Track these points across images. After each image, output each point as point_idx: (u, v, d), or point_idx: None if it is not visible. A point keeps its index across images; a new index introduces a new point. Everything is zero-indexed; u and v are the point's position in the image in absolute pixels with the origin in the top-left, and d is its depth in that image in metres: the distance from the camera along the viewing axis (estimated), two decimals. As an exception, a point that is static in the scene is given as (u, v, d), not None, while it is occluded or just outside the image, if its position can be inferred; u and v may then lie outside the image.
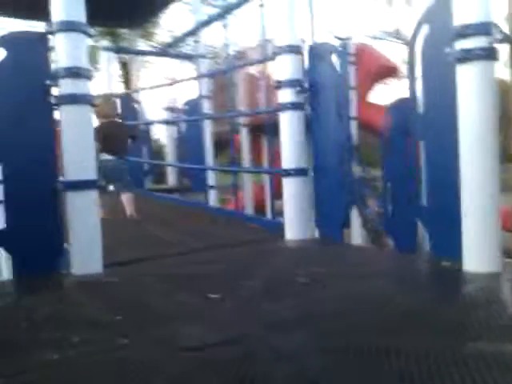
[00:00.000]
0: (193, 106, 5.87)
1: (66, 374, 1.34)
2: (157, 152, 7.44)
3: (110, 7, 7.04)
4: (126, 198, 4.22)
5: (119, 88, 9.22)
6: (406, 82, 2.63)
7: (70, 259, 2.47)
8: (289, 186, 3.11)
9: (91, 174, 2.53)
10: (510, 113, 3.26)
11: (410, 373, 1.21)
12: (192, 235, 3.42)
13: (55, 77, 2.47)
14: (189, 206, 5.10)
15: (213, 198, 5.36)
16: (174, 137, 6.50)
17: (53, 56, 2.50)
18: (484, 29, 2.08)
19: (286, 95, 3.09)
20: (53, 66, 2.50)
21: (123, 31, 8.36)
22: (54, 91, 2.50)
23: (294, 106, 3.07)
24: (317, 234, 3.11)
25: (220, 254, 2.86)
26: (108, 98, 4.52)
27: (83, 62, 2.50)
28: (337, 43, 5.90)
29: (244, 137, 6.44)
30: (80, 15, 2.49)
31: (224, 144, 6.29)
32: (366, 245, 3.39)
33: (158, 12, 7.56)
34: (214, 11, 4.99)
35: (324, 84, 3.02)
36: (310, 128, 3.11)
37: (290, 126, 3.10)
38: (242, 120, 6.46)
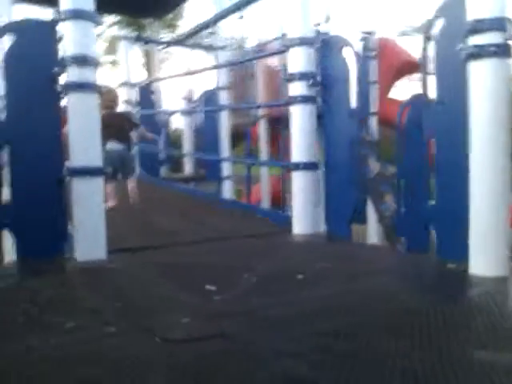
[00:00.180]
0: (210, 97, 5.86)
1: (41, 363, 1.33)
2: (175, 141, 7.46)
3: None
4: (130, 186, 4.38)
5: (140, 77, 9.23)
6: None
7: (73, 244, 2.49)
8: (298, 179, 3.08)
9: (97, 161, 2.53)
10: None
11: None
12: (197, 225, 3.42)
13: (62, 64, 2.47)
14: (197, 195, 5.07)
15: (227, 189, 5.36)
16: (191, 127, 6.51)
17: (60, 44, 2.50)
18: (498, 24, 2.01)
19: (297, 88, 3.05)
20: (60, 54, 2.50)
21: (148, 22, 8.36)
22: (62, 79, 2.51)
23: (306, 99, 3.03)
24: (325, 230, 3.07)
25: (223, 245, 2.85)
26: (109, 89, 4.57)
27: (91, 50, 2.50)
28: (359, 37, 5.88)
29: (262, 129, 6.43)
30: (88, 3, 2.49)
31: (242, 136, 6.28)
32: (372, 243, 3.33)
33: (178, 2, 7.54)
34: (233, 2, 4.91)
35: (336, 78, 2.97)
36: (322, 122, 3.07)
37: (300, 120, 3.06)
38: (259, 112, 6.46)
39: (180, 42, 7.81)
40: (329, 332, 1.49)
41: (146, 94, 6.26)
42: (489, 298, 1.78)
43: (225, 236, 3.05)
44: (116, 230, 3.08)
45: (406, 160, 2.74)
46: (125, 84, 6.04)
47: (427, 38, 2.48)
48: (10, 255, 2.49)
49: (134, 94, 6.08)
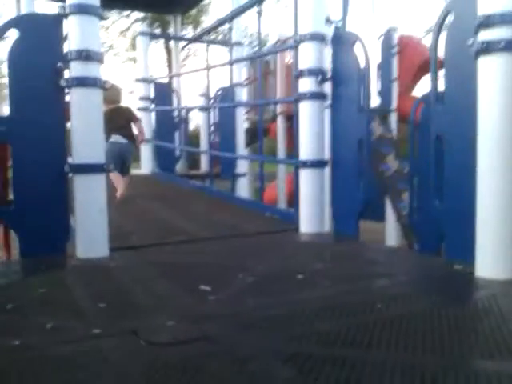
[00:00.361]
0: (226, 93, 5.82)
1: (16, 363, 1.30)
2: (192, 138, 7.44)
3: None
4: (124, 180, 4.45)
5: (160, 73, 9.25)
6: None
7: (75, 242, 2.48)
8: (305, 177, 3.02)
9: (100, 157, 2.51)
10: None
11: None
12: (204, 223, 3.37)
13: (67, 59, 2.46)
14: (208, 192, 5.03)
15: (242, 186, 5.31)
16: (207, 123, 6.48)
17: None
18: (509, 18, 1.92)
19: (306, 84, 2.99)
20: (66, 49, 2.49)
21: (171, 18, 8.34)
22: (66, 73, 2.49)
23: (314, 96, 2.97)
24: (332, 228, 3.01)
25: (227, 244, 2.81)
26: (112, 85, 4.62)
27: (95, 45, 2.48)
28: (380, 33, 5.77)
29: (279, 125, 6.37)
30: (94, -3, 2.47)
31: (263, 132, 6.22)
32: (379, 243, 3.26)
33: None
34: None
35: (346, 74, 2.90)
36: (330, 119, 3.00)
37: (309, 117, 3.00)
38: (278, 109, 6.40)
39: (198, 38, 7.79)
40: (324, 334, 1.45)
41: (162, 91, 6.24)
42: (495, 302, 1.72)
43: (230, 234, 3.01)
44: (121, 227, 3.08)
45: (419, 157, 2.67)
46: (142, 80, 6.03)
47: (438, 33, 2.40)
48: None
49: (150, 91, 6.07)
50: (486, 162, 1.98)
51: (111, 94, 4.19)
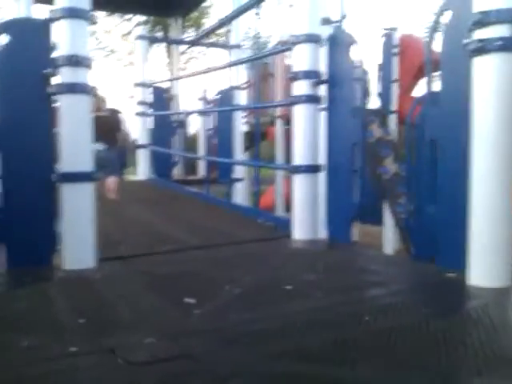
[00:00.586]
0: (225, 97, 5.75)
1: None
2: (190, 143, 7.38)
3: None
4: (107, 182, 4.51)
5: (161, 77, 9.20)
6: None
7: (62, 253, 2.41)
8: (298, 183, 2.95)
9: (87, 165, 2.45)
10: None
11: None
12: (196, 230, 3.30)
13: (55, 65, 2.39)
14: (202, 198, 4.96)
15: (238, 191, 5.23)
16: (205, 127, 6.43)
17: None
18: (505, 16, 1.85)
19: (301, 87, 2.91)
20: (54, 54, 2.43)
21: (172, 21, 8.30)
22: (54, 80, 2.43)
23: (309, 99, 2.89)
24: (326, 235, 2.93)
25: (217, 252, 2.73)
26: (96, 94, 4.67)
27: (84, 51, 2.42)
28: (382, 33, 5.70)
29: (278, 129, 6.31)
30: (83, 1, 2.41)
31: (262, 135, 6.15)
32: (377, 247, 3.18)
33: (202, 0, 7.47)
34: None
35: (341, 76, 2.82)
36: (325, 122, 2.93)
37: (303, 120, 2.92)
38: (276, 112, 6.34)
39: (197, 41, 7.72)
40: (309, 350, 1.38)
41: (161, 95, 6.18)
42: (486, 312, 1.66)
43: (222, 242, 2.92)
44: (110, 236, 3.00)
45: (416, 160, 2.59)
46: (140, 85, 5.96)
47: (434, 32, 2.33)
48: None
49: (148, 95, 6.00)
50: (480, 167, 1.91)
51: (96, 102, 4.20)
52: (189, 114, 7.03)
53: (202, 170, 6.43)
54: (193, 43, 8.14)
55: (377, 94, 5.70)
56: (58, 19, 2.39)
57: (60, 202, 2.42)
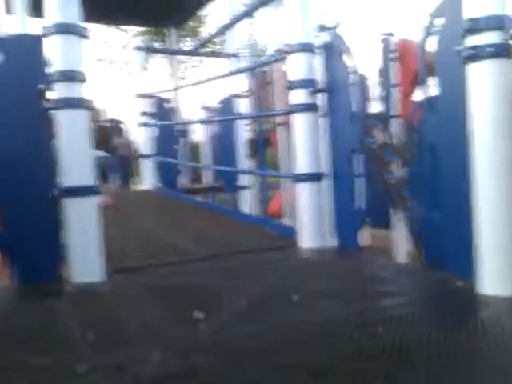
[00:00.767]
0: (226, 105, 5.78)
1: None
2: (194, 151, 7.41)
3: (148, 7, 7.12)
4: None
5: (163, 87, 9.24)
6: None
7: (69, 267, 2.44)
8: (302, 191, 2.97)
9: (89, 179, 2.48)
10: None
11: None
12: (202, 241, 3.32)
13: (50, 80, 2.43)
14: (207, 207, 4.98)
15: (244, 199, 5.25)
16: (208, 136, 6.45)
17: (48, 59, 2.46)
18: (496, 23, 1.87)
19: (298, 96, 2.94)
20: (48, 70, 2.46)
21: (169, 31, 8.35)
22: (49, 95, 2.46)
23: (307, 108, 2.92)
24: (334, 243, 2.94)
25: (224, 263, 2.75)
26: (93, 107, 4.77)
27: (78, 65, 2.45)
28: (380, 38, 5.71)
29: (280, 136, 6.31)
30: (75, 17, 2.44)
31: (266, 142, 6.17)
32: (387, 252, 3.18)
33: (195, 9, 7.51)
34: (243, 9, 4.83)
35: (337, 83, 2.85)
36: (325, 130, 2.95)
37: (303, 129, 2.94)
38: (277, 119, 6.34)
39: (194, 51, 7.75)
40: (315, 365, 1.39)
41: (163, 105, 6.22)
42: (497, 322, 1.64)
43: (228, 252, 2.95)
44: (119, 247, 3.04)
45: (418, 164, 2.60)
46: (140, 95, 6.01)
47: (425, 39, 2.35)
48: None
49: (150, 105, 6.04)
50: (481, 171, 1.91)
51: (93, 114, 4.26)
52: (191, 123, 7.06)
53: (206, 179, 6.46)
54: (190, 54, 8.16)
55: (378, 99, 5.70)
56: (50, 35, 2.42)
57: (64, 217, 2.45)
